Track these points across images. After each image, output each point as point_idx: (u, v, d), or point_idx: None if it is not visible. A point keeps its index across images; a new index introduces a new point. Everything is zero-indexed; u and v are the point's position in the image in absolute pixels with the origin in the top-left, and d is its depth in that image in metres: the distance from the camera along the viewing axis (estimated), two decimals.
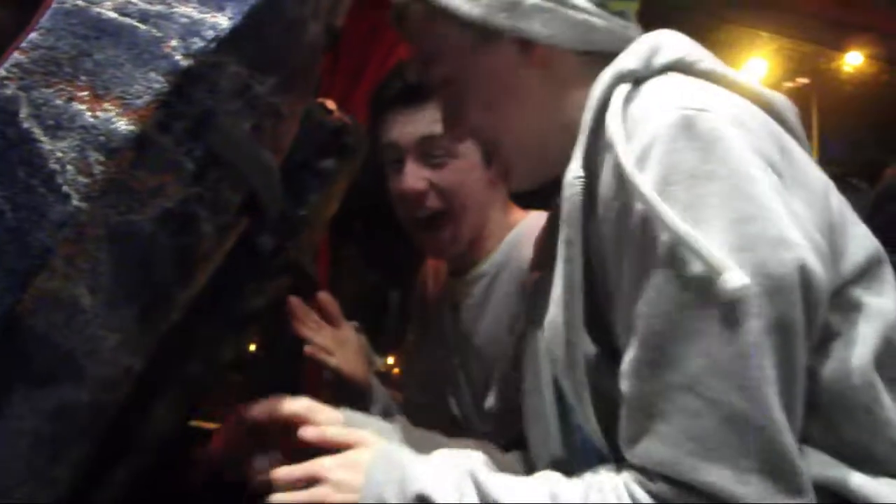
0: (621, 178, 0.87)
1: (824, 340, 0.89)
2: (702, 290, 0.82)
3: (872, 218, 1.87)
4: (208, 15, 0.63)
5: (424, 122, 1.46)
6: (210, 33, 0.63)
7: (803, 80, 3.96)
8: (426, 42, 1.07)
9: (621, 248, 0.88)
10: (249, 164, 0.79)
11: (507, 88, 1.03)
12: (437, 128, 1.23)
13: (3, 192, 0.56)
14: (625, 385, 0.88)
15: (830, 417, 0.88)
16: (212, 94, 0.65)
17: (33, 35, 0.58)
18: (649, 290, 0.85)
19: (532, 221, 1.52)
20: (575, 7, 1.00)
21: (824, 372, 0.88)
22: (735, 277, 0.79)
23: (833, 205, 0.93)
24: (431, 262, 1.74)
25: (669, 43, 0.98)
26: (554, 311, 0.97)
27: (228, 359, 1.25)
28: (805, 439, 0.86)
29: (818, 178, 0.95)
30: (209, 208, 0.77)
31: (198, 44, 0.63)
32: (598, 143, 0.93)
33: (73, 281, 0.61)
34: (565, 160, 0.95)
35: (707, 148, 0.83)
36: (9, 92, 0.57)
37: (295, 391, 1.10)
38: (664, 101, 0.89)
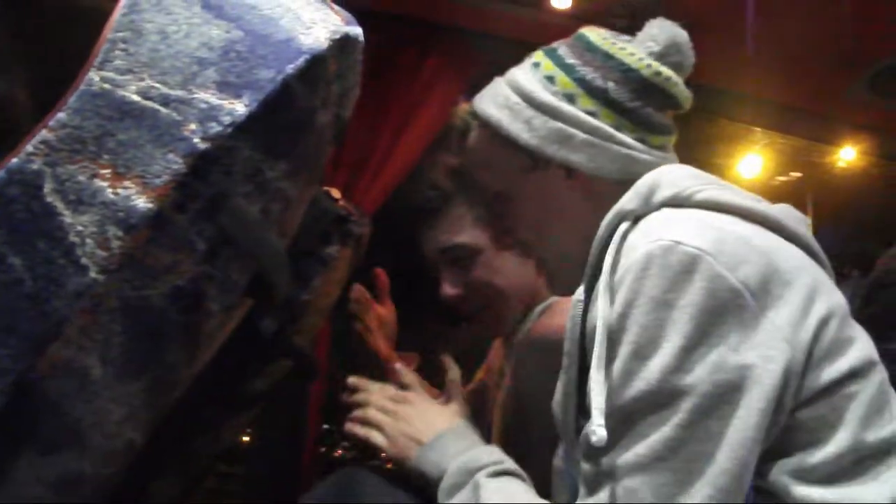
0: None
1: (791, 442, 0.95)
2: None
3: (866, 307, 1.89)
4: (226, 101, 0.66)
5: (440, 234, 1.60)
6: (227, 119, 0.66)
7: (796, 174, 4.08)
8: (483, 158, 1.22)
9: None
10: (259, 246, 0.81)
11: (551, 208, 1.16)
12: (451, 236, 1.50)
13: (24, 262, 0.58)
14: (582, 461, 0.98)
15: None
16: (226, 177, 0.68)
17: (61, 114, 0.61)
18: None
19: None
20: (621, 143, 1.11)
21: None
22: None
23: (816, 315, 0.97)
24: None
25: (668, 179, 1.08)
26: (555, 409, 1.12)
27: (227, 441, 1.25)
28: None
29: (802, 292, 0.98)
30: (217, 288, 0.79)
31: (215, 128, 0.66)
32: (597, 273, 1.03)
33: (85, 351, 0.62)
34: None
35: (672, 277, 0.91)
36: (35, 167, 0.59)
37: (293, 482, 1.10)
38: (647, 235, 0.98)
